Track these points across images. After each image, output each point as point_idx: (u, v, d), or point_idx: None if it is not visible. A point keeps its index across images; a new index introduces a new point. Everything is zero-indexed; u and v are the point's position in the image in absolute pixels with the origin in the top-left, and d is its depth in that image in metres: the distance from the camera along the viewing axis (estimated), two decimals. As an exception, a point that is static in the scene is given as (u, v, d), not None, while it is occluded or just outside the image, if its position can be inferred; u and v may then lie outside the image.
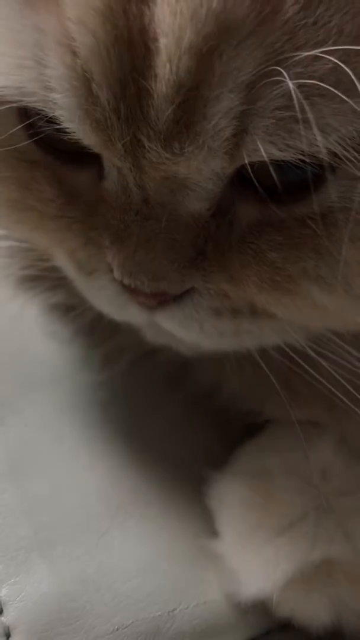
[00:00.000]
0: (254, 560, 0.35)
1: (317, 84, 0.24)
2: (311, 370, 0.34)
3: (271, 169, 0.27)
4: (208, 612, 0.36)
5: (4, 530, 0.37)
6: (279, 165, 0.26)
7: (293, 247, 0.29)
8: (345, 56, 0.24)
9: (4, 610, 0.35)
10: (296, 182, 0.27)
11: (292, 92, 0.24)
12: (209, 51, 0.24)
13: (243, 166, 0.27)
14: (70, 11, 0.25)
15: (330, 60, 0.24)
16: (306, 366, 0.34)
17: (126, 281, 0.31)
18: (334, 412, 0.37)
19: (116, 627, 0.35)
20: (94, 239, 0.33)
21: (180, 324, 0.33)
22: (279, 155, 0.26)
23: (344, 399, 0.34)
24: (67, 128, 0.28)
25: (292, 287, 0.30)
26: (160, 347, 0.39)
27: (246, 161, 0.27)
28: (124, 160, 0.28)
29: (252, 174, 0.27)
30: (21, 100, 0.28)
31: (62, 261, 0.36)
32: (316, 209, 0.28)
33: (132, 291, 0.32)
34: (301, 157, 0.25)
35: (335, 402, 0.34)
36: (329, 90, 0.24)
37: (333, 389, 0.33)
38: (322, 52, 0.24)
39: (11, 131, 0.31)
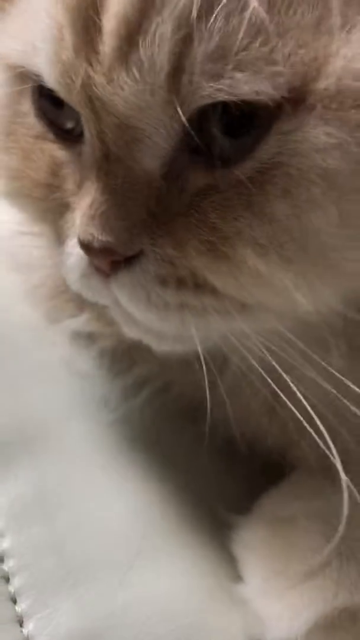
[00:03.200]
0: (278, 605, 0.35)
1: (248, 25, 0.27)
2: (276, 388, 0.34)
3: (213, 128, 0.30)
4: (230, 651, 0.37)
5: (31, 565, 0.38)
6: (223, 124, 0.29)
7: (229, 208, 0.30)
8: None
9: (31, 645, 0.36)
10: (238, 144, 0.29)
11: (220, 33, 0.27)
12: None
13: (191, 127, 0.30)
14: None
15: None
16: (272, 383, 0.34)
17: (81, 236, 0.33)
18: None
19: (139, 663, 0.36)
20: (70, 205, 0.36)
21: (129, 294, 0.34)
22: (215, 95, 0.28)
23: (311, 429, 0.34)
24: (48, 83, 0.33)
25: (227, 250, 0.31)
26: (167, 375, 0.39)
27: (196, 101, 0.29)
28: (83, 106, 0.32)
29: (195, 135, 0.30)
30: (23, 67, 0.35)
31: (47, 234, 0.40)
32: (255, 165, 0.30)
33: (88, 251, 0.34)
34: (231, 97, 0.28)
35: None
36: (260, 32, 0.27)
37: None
38: None
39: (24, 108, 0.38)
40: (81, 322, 0.48)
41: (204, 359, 0.36)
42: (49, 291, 0.49)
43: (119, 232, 0.32)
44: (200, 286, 0.33)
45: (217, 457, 0.43)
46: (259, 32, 0.28)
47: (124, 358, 0.45)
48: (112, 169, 0.33)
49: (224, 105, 0.29)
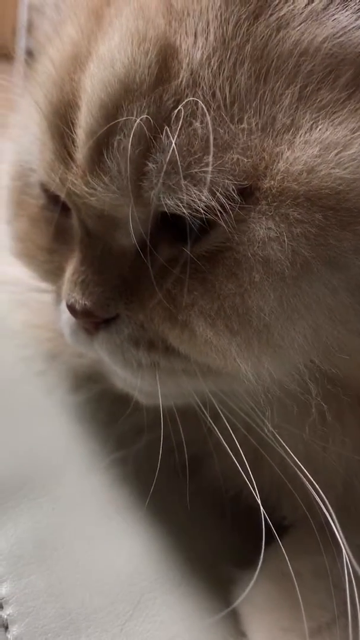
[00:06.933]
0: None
1: (196, 137, 0.31)
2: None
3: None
4: None
5: (31, 612, 0.38)
6: (179, 215, 0.32)
7: (186, 281, 0.33)
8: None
9: None
10: (196, 228, 0.33)
11: (172, 149, 0.31)
12: (114, 106, 0.32)
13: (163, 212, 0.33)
14: (39, 81, 0.36)
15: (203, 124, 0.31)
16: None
17: (65, 298, 0.38)
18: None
19: None
20: (65, 269, 0.40)
21: (108, 351, 0.38)
22: (169, 203, 0.32)
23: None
24: (39, 177, 0.39)
25: (184, 318, 0.34)
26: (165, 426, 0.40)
27: (156, 208, 0.33)
28: (65, 198, 0.37)
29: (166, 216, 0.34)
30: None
31: (50, 292, 0.44)
32: (207, 249, 0.33)
33: (73, 313, 0.38)
34: (185, 209, 0.32)
35: None
36: (207, 144, 0.31)
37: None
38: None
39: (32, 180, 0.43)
40: (82, 362, 0.49)
41: (198, 412, 0.38)
42: (51, 333, 0.50)
43: (97, 297, 0.36)
44: (169, 349, 0.36)
45: (219, 510, 0.43)
46: (206, 146, 0.31)
47: (124, 403, 0.46)
48: (92, 243, 0.37)
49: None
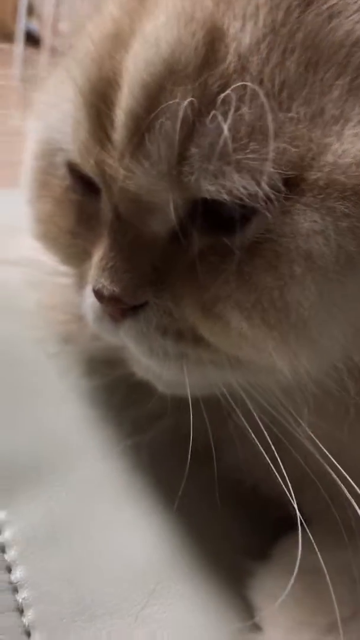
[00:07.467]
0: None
1: (243, 123, 0.30)
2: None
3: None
4: None
5: (47, 597, 0.37)
6: (220, 202, 0.31)
7: (222, 272, 0.33)
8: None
9: None
10: (232, 218, 0.32)
11: (221, 134, 0.30)
12: (157, 87, 0.31)
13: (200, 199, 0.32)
14: (76, 58, 0.35)
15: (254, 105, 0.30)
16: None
17: (92, 283, 0.37)
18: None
19: None
20: (91, 253, 0.39)
21: (134, 340, 0.37)
22: (211, 189, 0.31)
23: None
24: (71, 156, 0.39)
25: (217, 310, 0.33)
26: (180, 413, 0.40)
27: (195, 193, 0.32)
28: (99, 180, 0.36)
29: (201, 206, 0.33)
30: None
31: (72, 276, 0.44)
32: (246, 239, 0.32)
33: (100, 299, 0.37)
34: (227, 196, 0.31)
35: None
36: (254, 130, 0.30)
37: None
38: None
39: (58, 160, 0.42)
40: (97, 346, 0.49)
41: (223, 402, 0.37)
42: (66, 315, 0.49)
43: (125, 283, 0.35)
44: (198, 339, 0.35)
45: (235, 501, 0.43)
46: (253, 131, 0.30)
47: (139, 389, 0.46)
48: (123, 228, 0.36)
49: None
